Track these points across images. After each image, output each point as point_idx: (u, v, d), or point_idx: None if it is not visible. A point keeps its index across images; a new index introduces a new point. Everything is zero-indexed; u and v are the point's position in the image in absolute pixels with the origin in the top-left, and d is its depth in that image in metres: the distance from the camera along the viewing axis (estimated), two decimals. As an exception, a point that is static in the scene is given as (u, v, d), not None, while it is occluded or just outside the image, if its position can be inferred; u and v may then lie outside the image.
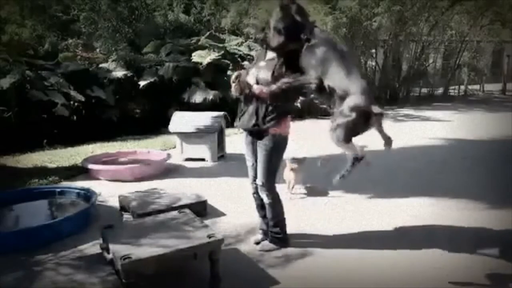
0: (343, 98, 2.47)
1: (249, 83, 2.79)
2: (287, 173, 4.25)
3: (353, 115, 2.40)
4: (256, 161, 2.95)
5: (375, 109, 2.41)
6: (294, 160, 4.29)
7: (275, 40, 2.67)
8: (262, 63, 2.87)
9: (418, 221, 3.61)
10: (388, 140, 2.62)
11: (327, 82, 2.55)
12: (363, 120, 2.44)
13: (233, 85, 2.85)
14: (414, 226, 3.51)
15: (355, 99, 2.42)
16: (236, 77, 2.82)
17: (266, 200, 2.95)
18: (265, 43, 2.84)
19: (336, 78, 2.52)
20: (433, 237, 3.27)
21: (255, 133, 2.89)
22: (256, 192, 3.06)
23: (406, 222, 3.57)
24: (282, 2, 2.66)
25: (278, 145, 2.88)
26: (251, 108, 2.83)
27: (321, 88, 2.59)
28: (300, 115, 9.32)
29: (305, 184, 4.43)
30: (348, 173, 2.61)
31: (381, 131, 2.59)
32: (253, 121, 2.82)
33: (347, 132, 2.45)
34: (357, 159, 2.57)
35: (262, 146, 2.86)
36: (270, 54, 2.86)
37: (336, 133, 2.47)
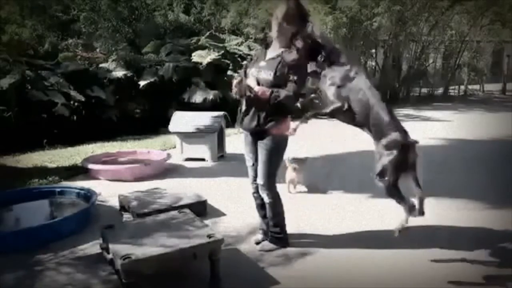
0: (379, 133, 2.52)
1: (250, 86, 2.78)
2: (289, 173, 4.27)
3: (395, 152, 2.45)
4: (256, 161, 2.95)
5: (411, 139, 2.49)
6: (296, 160, 4.31)
7: (291, 56, 2.69)
8: (262, 63, 2.85)
9: (418, 221, 3.60)
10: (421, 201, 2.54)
11: (356, 109, 2.58)
12: (404, 155, 2.49)
13: (234, 89, 2.86)
14: (414, 226, 3.50)
15: (392, 135, 2.47)
16: (239, 82, 2.82)
17: (266, 199, 2.96)
18: (264, 42, 2.85)
19: (367, 108, 2.55)
20: (433, 237, 3.26)
21: (256, 134, 2.89)
22: (256, 192, 3.06)
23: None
24: (288, 5, 2.68)
25: (279, 145, 2.88)
26: (253, 109, 2.83)
27: (345, 111, 2.63)
28: (300, 115, 9.31)
29: (306, 183, 4.44)
30: (405, 228, 2.59)
31: (415, 177, 2.59)
32: (255, 122, 2.82)
33: (395, 173, 2.50)
34: (412, 208, 2.54)
35: (263, 146, 2.86)
36: (270, 54, 2.86)
37: (385, 180, 2.50)
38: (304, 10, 2.78)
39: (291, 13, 2.69)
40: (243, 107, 2.90)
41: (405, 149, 2.48)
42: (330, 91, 2.61)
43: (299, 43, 2.64)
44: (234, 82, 2.82)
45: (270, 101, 2.71)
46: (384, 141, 2.50)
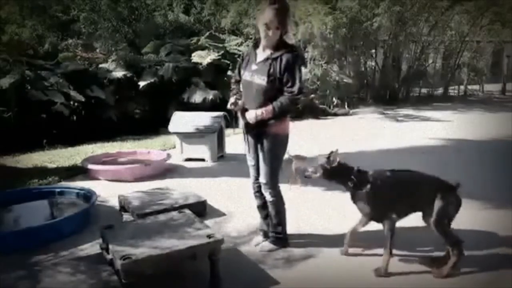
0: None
1: (250, 120, 2.79)
2: (293, 169, 4.38)
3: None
4: (257, 161, 2.97)
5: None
6: (298, 156, 4.41)
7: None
8: (254, 66, 2.86)
9: (418, 221, 3.60)
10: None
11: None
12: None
13: (231, 106, 2.90)
14: (414, 226, 3.50)
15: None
16: (234, 104, 2.88)
17: (269, 198, 2.96)
18: (254, 41, 2.89)
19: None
20: (433, 237, 3.26)
21: (256, 134, 2.90)
22: (258, 192, 3.08)
23: (406, 222, 3.56)
24: (275, 9, 2.69)
25: (280, 145, 2.89)
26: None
27: None
28: (300, 115, 9.32)
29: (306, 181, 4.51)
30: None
31: None
32: (254, 126, 2.83)
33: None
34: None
35: (264, 146, 2.88)
36: (260, 55, 2.86)
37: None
38: (289, 12, 2.81)
39: (277, 17, 2.69)
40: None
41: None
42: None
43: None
44: (229, 106, 2.89)
45: (276, 113, 2.74)
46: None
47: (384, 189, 2.69)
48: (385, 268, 2.68)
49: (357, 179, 2.69)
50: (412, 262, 2.89)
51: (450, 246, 2.67)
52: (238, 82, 3.03)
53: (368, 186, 2.66)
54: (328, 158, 2.66)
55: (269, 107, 2.72)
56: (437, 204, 2.65)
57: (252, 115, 2.77)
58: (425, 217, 2.76)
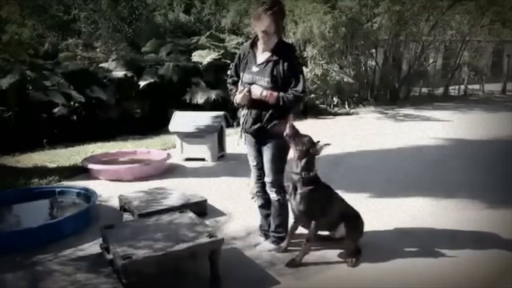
0: None
1: (253, 93, 2.80)
2: None
3: None
4: (261, 161, 2.97)
5: None
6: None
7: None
8: (254, 68, 2.85)
9: (418, 221, 3.61)
10: None
11: None
12: None
13: (240, 95, 2.84)
14: (414, 226, 3.51)
15: None
16: (248, 91, 2.82)
17: (275, 197, 2.97)
18: (251, 42, 2.92)
19: None
20: (433, 237, 3.27)
21: (260, 134, 2.90)
22: (260, 191, 3.08)
23: (406, 222, 3.58)
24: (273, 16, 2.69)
25: (284, 143, 2.88)
26: (255, 111, 2.85)
27: None
28: (301, 115, 9.32)
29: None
30: None
31: None
32: (258, 124, 2.84)
33: None
34: None
35: (268, 145, 2.88)
36: (259, 57, 2.86)
37: None
38: (285, 14, 2.84)
39: (275, 22, 2.69)
40: (244, 109, 2.91)
41: None
42: None
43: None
44: (245, 90, 2.81)
45: (280, 103, 2.75)
46: None
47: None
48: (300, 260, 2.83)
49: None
50: (415, 260, 2.89)
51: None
52: (235, 82, 3.03)
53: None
54: (315, 145, 2.78)
55: (275, 93, 2.75)
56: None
57: (258, 90, 2.78)
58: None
